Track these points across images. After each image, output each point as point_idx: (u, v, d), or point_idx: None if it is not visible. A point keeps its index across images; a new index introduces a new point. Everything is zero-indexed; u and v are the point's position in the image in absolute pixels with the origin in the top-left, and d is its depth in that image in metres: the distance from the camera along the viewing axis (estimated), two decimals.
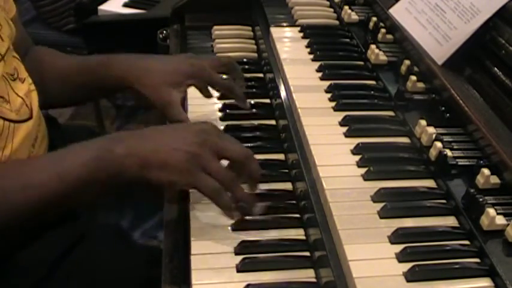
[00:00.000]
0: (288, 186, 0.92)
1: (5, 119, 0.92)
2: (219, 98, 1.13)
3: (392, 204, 0.78)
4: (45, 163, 0.84)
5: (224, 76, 1.09)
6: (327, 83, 1.05)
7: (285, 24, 1.27)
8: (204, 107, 1.12)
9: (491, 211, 0.72)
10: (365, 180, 0.83)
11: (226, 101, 1.10)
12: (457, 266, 0.70)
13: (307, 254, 0.81)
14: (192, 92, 1.16)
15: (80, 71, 1.11)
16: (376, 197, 0.80)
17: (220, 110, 1.11)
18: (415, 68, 1.01)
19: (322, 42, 1.19)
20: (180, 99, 1.01)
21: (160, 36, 1.39)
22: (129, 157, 0.80)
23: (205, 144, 0.81)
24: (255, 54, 1.31)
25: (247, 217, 0.84)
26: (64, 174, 0.80)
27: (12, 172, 0.83)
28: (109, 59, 1.08)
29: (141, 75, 1.02)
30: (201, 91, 1.08)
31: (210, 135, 0.83)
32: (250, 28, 1.39)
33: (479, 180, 0.77)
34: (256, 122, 1.07)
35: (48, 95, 1.12)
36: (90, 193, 0.84)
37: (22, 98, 0.98)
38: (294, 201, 0.89)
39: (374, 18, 1.17)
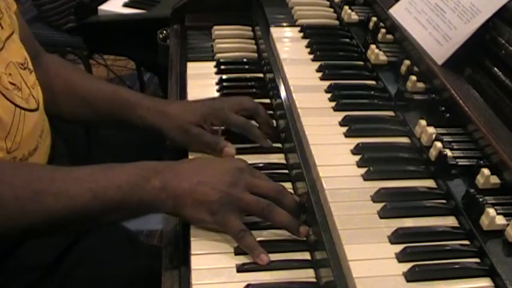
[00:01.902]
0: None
1: (16, 105, 0.92)
2: None
3: (392, 204, 0.78)
4: (80, 176, 0.84)
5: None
6: (327, 83, 1.05)
7: (285, 24, 1.27)
8: None
9: (491, 211, 0.72)
10: (365, 180, 0.83)
11: None
12: (457, 266, 0.70)
13: (307, 254, 0.81)
14: (192, 92, 1.16)
15: (102, 106, 1.10)
16: (376, 197, 0.80)
17: None
18: (415, 68, 1.00)
19: (322, 42, 1.19)
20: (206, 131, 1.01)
21: (160, 36, 1.40)
22: (164, 191, 0.82)
23: (238, 183, 0.83)
24: (255, 54, 1.31)
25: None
26: (99, 192, 0.81)
27: (44, 176, 0.84)
28: (133, 105, 1.06)
29: (163, 121, 1.02)
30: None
31: (243, 173, 0.85)
32: (250, 28, 1.39)
33: (479, 180, 0.77)
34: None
35: (60, 112, 1.13)
36: (118, 216, 0.86)
37: (29, 89, 0.99)
38: None
39: (374, 18, 1.17)
